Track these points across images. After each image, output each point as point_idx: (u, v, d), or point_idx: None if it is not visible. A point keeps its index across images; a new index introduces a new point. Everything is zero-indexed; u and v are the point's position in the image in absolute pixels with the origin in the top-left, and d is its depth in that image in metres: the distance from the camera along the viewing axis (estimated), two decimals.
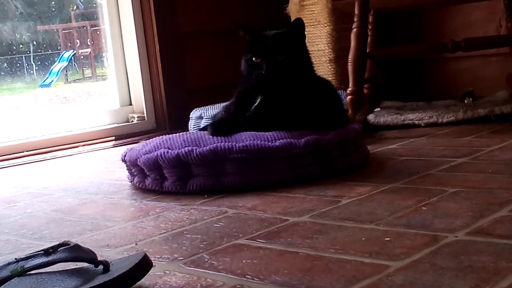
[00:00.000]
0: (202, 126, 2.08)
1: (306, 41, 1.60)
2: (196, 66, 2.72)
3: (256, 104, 1.51)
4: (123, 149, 1.66)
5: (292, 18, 2.53)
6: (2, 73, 3.38)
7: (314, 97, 1.54)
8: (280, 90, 1.50)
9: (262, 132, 1.44)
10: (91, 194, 1.53)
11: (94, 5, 3.12)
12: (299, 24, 1.55)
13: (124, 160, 1.57)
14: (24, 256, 0.85)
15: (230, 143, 1.40)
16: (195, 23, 2.73)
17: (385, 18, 2.57)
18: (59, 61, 4.29)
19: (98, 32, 3.36)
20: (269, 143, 1.40)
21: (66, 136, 2.46)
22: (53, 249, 0.85)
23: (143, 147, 1.50)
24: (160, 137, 1.53)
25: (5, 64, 3.38)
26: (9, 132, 2.39)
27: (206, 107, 2.26)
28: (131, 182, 1.57)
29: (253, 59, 1.51)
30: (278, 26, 1.63)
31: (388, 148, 1.77)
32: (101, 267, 0.85)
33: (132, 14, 2.60)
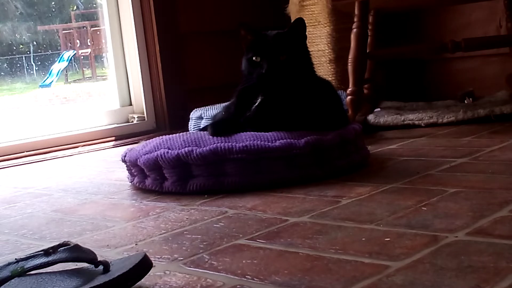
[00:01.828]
0: (202, 126, 2.08)
1: (307, 41, 1.60)
2: (196, 66, 2.72)
3: (256, 104, 1.51)
4: (123, 149, 1.66)
5: (292, 18, 2.53)
6: (2, 73, 3.38)
7: (314, 98, 1.53)
8: (281, 89, 1.50)
9: (262, 132, 1.44)
10: (91, 194, 1.53)
11: (94, 5, 3.12)
12: (300, 24, 1.55)
13: (124, 161, 1.57)
14: (24, 256, 0.85)
15: (230, 144, 1.40)
16: (195, 23, 2.73)
17: (385, 18, 2.57)
18: (59, 61, 4.29)
19: (98, 33, 3.37)
20: (269, 144, 1.40)
21: (66, 136, 2.47)
22: (53, 249, 0.85)
23: (143, 147, 1.50)
24: (160, 137, 1.53)
25: (5, 65, 3.38)
26: (9, 132, 2.39)
27: (206, 107, 2.26)
28: (131, 182, 1.57)
29: (254, 58, 1.51)
30: (278, 26, 1.63)
31: (388, 148, 1.77)
32: (101, 267, 0.85)
33: (132, 14, 2.60)
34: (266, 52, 1.50)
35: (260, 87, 1.51)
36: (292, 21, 2.51)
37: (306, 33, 1.58)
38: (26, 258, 0.85)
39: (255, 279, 0.83)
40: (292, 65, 1.50)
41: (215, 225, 1.13)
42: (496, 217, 1.00)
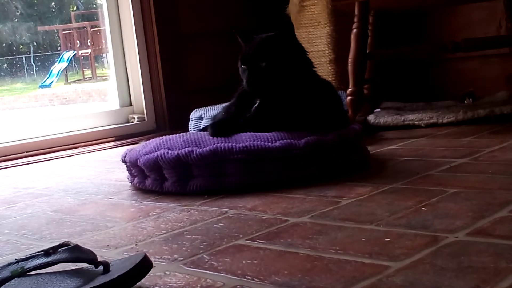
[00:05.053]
0: (202, 126, 2.08)
1: (306, 41, 1.59)
2: (196, 67, 2.72)
3: (256, 105, 1.51)
4: (123, 150, 1.66)
5: (293, 19, 2.53)
6: (2, 73, 3.38)
7: (314, 98, 1.53)
8: (268, 95, 1.50)
9: (262, 133, 1.44)
10: (91, 194, 1.54)
11: (94, 5, 3.12)
12: (287, 26, 1.53)
13: (124, 161, 1.57)
14: (24, 257, 0.85)
15: (230, 144, 1.40)
16: (195, 24, 2.73)
17: (385, 18, 2.57)
18: (59, 62, 4.30)
19: (98, 33, 3.37)
20: (269, 144, 1.40)
21: (67, 136, 2.47)
22: (53, 250, 0.85)
23: (143, 148, 1.50)
24: (160, 137, 1.53)
25: (5, 65, 3.38)
26: (10, 133, 2.39)
27: (206, 107, 2.26)
28: (131, 182, 1.57)
29: (242, 66, 1.52)
30: (278, 27, 1.63)
31: (388, 149, 1.77)
32: (101, 267, 0.85)
33: (132, 14, 2.61)
34: (248, 60, 1.51)
35: (252, 94, 1.52)
36: (291, 21, 2.51)
37: (306, 33, 1.58)
38: (26, 259, 0.85)
39: (255, 279, 0.83)
40: (273, 70, 1.49)
41: (215, 225, 1.13)
42: (496, 218, 1.00)
